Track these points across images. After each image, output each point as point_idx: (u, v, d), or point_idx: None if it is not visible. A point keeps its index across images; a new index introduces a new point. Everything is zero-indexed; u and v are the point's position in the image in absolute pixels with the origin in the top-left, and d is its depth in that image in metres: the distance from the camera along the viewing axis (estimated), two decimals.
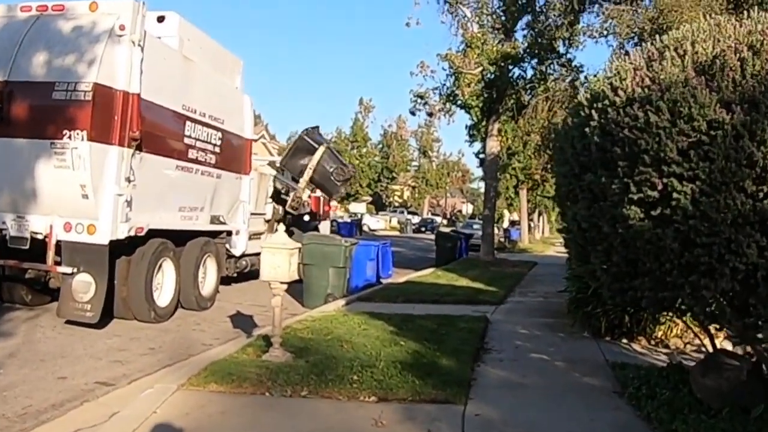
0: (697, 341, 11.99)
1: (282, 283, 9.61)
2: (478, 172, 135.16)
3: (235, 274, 18.73)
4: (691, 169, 6.16)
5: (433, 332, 11.90)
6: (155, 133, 13.68)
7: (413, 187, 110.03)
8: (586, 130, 7.13)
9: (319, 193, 23.76)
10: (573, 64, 30.48)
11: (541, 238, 75.03)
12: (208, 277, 16.15)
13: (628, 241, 6.71)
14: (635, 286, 7.02)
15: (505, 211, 71.88)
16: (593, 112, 7.10)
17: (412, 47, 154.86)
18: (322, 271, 16.91)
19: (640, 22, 21.37)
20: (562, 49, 30.16)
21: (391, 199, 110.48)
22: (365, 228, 74.36)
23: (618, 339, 12.29)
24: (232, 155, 17.22)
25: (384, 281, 20.95)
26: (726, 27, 6.95)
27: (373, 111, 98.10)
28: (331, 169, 19.96)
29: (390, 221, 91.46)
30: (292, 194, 20.13)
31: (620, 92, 6.87)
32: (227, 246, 17.67)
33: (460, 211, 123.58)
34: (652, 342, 12.29)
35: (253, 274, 19.68)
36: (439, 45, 46.17)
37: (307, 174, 19.70)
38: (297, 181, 20.44)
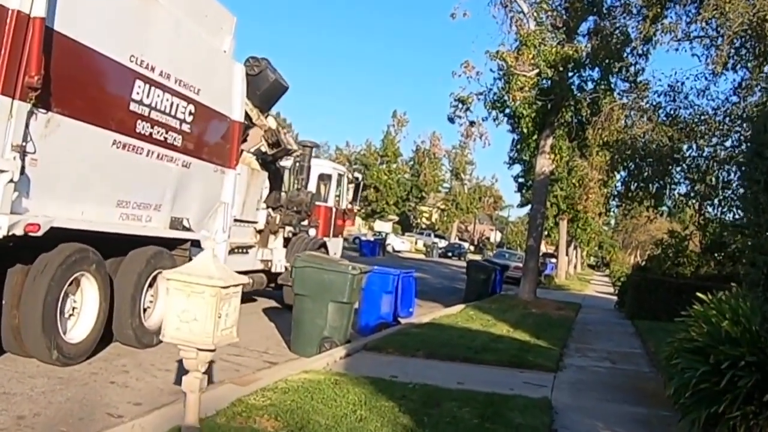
0: None
1: (201, 350, 5.03)
2: (512, 199, 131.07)
3: None
4: None
5: None
6: (78, 86, 9.19)
7: (442, 210, 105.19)
8: None
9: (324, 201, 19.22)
10: (639, 80, 25.66)
11: (576, 273, 70.10)
12: (158, 302, 11.58)
13: None
14: None
15: None
16: None
17: (450, 58, 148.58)
18: (319, 307, 12.25)
19: (756, 13, 16.61)
20: (631, 59, 25.34)
21: (419, 220, 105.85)
22: (389, 248, 70.17)
23: None
24: (209, 139, 12.72)
25: (403, 320, 16.33)
26: None
27: (406, 125, 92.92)
28: (247, 76, 14.47)
29: (416, 243, 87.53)
30: (260, 135, 15.60)
31: None
32: None
33: (488, 239, 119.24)
34: None
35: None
36: (488, 44, 40.81)
37: (245, 103, 14.59)
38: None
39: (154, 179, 11.14)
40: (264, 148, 16.03)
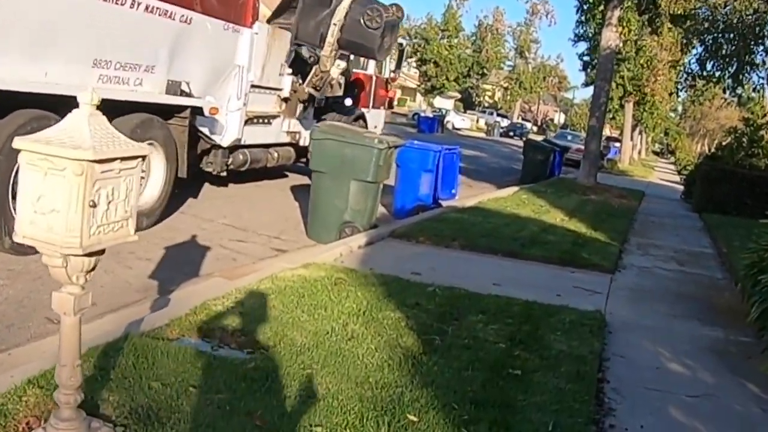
0: None
1: (68, 254, 3.26)
2: (577, 80, 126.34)
3: (224, 173, 12.48)
4: None
5: (496, 367, 5.36)
6: None
7: (505, 89, 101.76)
8: None
9: (363, 68, 17.09)
10: None
11: (640, 159, 67.25)
12: (151, 178, 9.91)
13: None
14: None
15: None
16: None
17: None
18: (339, 186, 10.44)
19: None
20: None
21: (482, 98, 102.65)
22: (449, 126, 67.99)
23: None
24: None
25: (445, 203, 14.51)
26: None
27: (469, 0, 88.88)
28: (360, 16, 12.81)
29: (477, 121, 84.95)
30: (314, 68, 13.50)
31: None
32: (206, 132, 11.41)
33: (551, 120, 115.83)
34: None
35: (259, 173, 13.57)
36: None
37: (332, 33, 12.85)
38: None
39: (143, 36, 9.26)
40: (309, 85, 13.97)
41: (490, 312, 6.77)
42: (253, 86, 12.26)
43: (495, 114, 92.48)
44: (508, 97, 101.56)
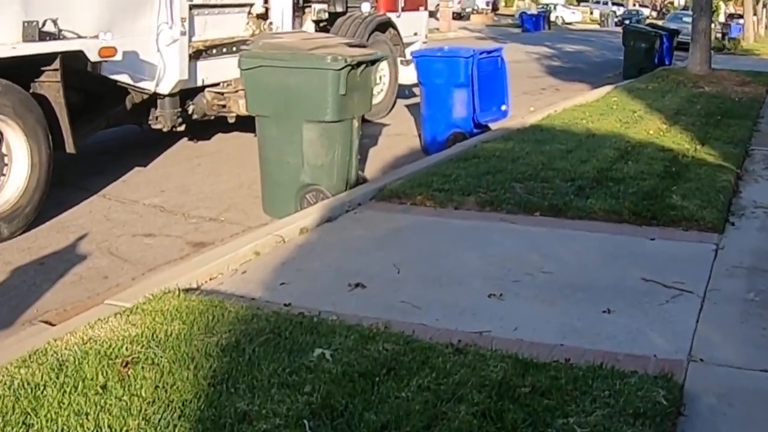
0: None
1: None
2: None
3: (180, 127, 8.96)
4: None
5: None
6: None
7: None
8: None
9: None
10: None
11: (767, 34, 59.81)
12: (12, 167, 6.43)
13: None
14: None
15: (721, 2, 56.81)
16: None
17: None
18: (288, 134, 6.71)
19: None
20: None
21: None
22: (557, 21, 62.69)
23: None
24: None
25: (494, 125, 10.59)
26: None
27: None
28: None
29: (591, 13, 79.00)
30: None
31: None
32: (128, 80, 7.84)
33: (671, 3, 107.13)
34: None
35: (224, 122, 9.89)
36: None
37: None
38: None
39: None
40: None
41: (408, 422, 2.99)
42: (197, 6, 8.68)
43: (609, 3, 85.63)
44: None
